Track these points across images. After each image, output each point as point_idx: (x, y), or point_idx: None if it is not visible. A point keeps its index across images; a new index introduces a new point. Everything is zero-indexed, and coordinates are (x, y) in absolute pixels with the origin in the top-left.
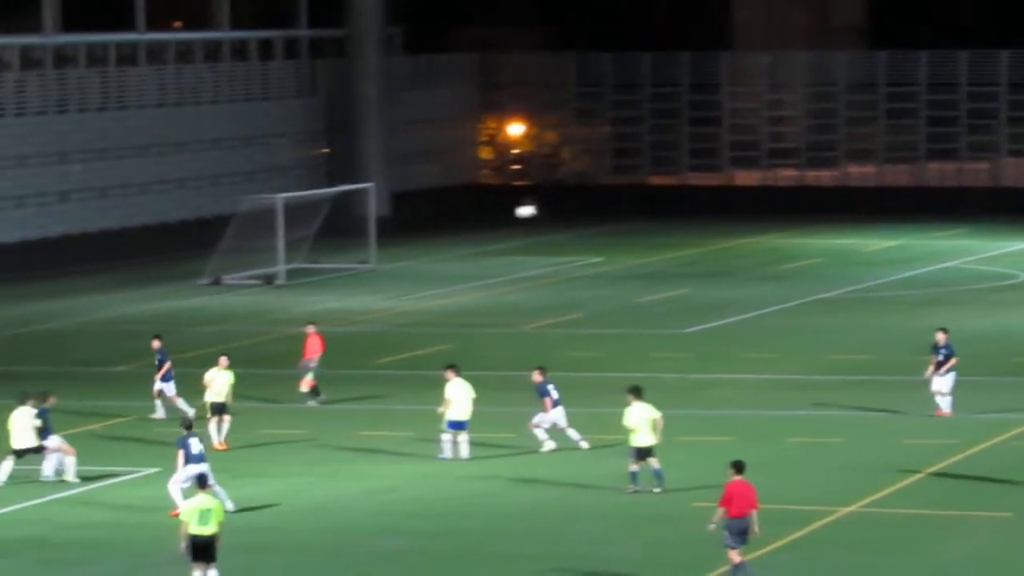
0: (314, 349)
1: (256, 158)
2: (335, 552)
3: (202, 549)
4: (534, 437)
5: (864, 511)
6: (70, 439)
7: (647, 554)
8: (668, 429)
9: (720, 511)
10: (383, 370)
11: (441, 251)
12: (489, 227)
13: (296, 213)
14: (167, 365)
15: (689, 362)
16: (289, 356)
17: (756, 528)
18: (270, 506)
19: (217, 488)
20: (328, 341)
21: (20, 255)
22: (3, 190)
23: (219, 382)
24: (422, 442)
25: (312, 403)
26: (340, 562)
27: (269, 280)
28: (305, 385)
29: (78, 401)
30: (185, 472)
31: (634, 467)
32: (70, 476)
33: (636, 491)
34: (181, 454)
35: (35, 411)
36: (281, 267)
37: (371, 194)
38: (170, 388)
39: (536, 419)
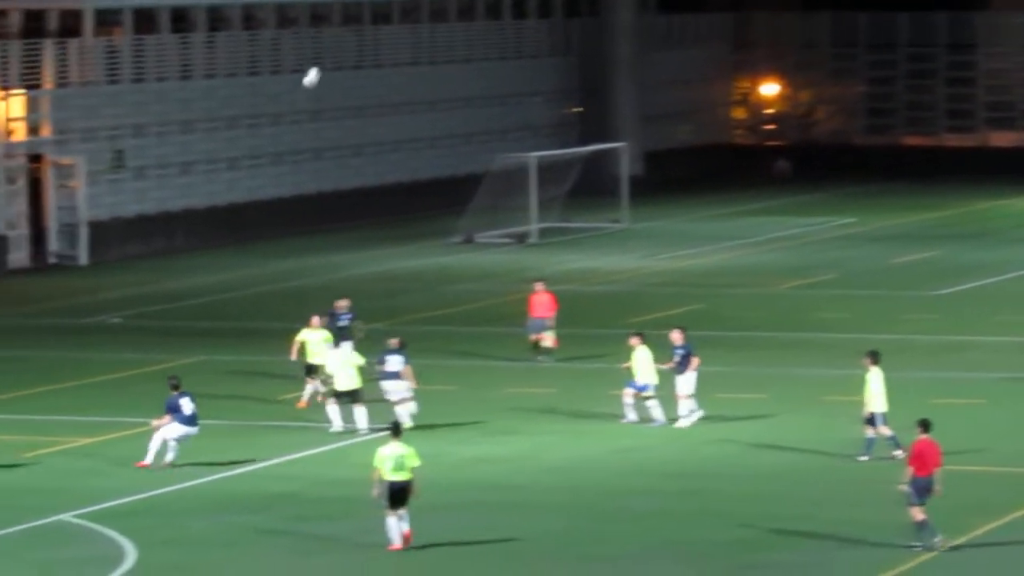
0: (547, 307)
1: (508, 117)
2: (584, 511)
3: (398, 494)
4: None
5: None
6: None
7: (886, 516)
8: (919, 392)
9: (909, 470)
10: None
11: (693, 211)
12: (742, 187)
13: (548, 172)
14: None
15: (940, 324)
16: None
17: (938, 487)
18: (518, 464)
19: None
20: (579, 300)
21: (274, 212)
22: (259, 148)
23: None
24: (669, 401)
25: (542, 359)
26: (589, 521)
27: (521, 239)
28: (550, 341)
29: None
30: (172, 431)
31: (870, 433)
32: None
33: (866, 458)
34: (166, 418)
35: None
36: (533, 226)
37: (623, 153)
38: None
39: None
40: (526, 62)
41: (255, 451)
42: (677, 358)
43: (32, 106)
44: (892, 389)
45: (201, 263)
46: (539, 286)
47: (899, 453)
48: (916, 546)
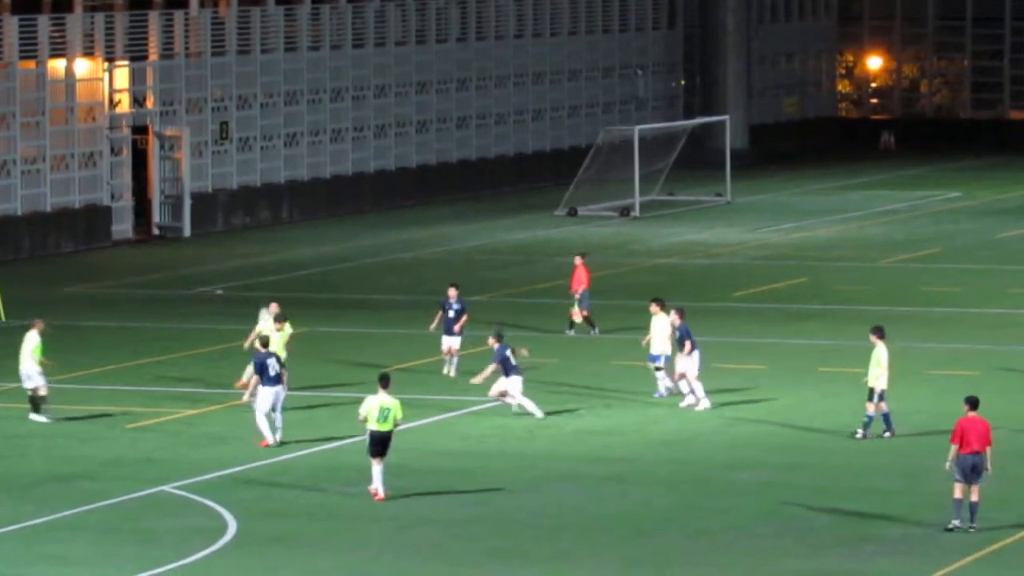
0: (581, 280)
1: (614, 90)
2: (692, 484)
3: (380, 444)
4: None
5: None
6: (426, 368)
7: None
8: None
9: (953, 448)
10: (739, 303)
11: (797, 184)
12: (847, 161)
13: (653, 145)
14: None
15: None
16: (646, 288)
17: (989, 466)
18: (623, 437)
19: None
20: (682, 273)
21: (378, 184)
22: (363, 120)
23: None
24: (777, 376)
25: (571, 332)
26: (693, 495)
27: (625, 212)
28: (577, 316)
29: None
30: (262, 397)
31: (871, 411)
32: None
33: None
34: (256, 377)
35: None
36: (637, 199)
37: (728, 127)
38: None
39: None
40: (632, 35)
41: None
42: (678, 338)
43: (137, 77)
44: (997, 363)
45: (305, 235)
46: (578, 259)
47: (887, 435)
48: (952, 526)
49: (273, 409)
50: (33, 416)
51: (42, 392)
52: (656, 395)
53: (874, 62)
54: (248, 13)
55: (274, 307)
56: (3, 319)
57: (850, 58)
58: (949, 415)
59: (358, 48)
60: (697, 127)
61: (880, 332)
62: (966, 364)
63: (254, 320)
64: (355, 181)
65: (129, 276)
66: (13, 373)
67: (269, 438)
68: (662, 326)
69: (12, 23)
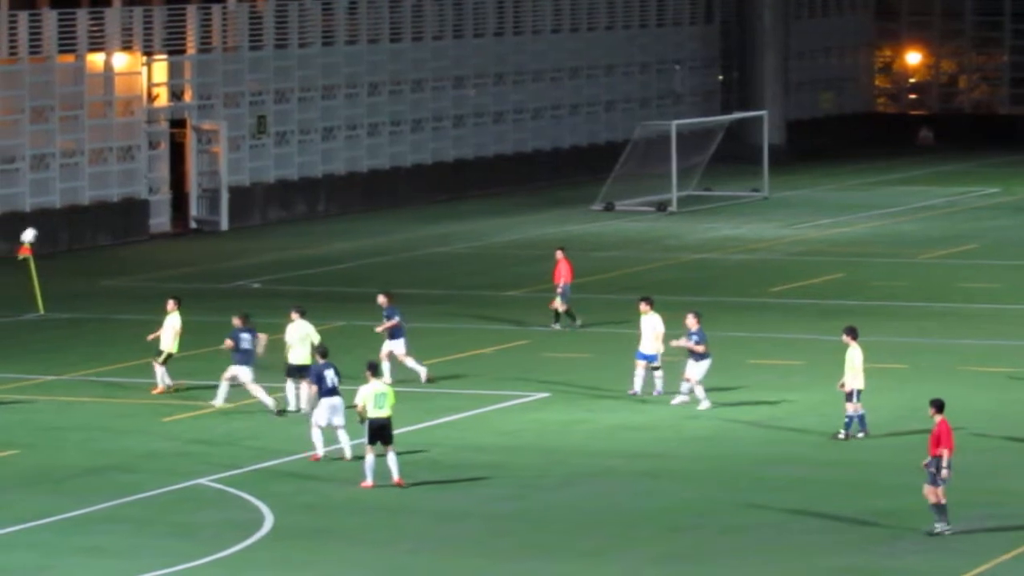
0: (563, 273)
1: (651, 85)
2: (725, 480)
3: (378, 431)
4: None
5: None
6: (460, 363)
7: None
8: None
9: (946, 452)
10: (776, 299)
11: (835, 180)
12: (884, 156)
13: (690, 140)
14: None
15: None
16: (681, 284)
17: (945, 471)
18: (659, 432)
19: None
20: (719, 269)
21: (414, 179)
22: (400, 114)
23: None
24: (813, 372)
25: (556, 326)
26: (731, 490)
27: (662, 207)
28: (559, 306)
29: (470, 324)
30: (321, 408)
31: (850, 411)
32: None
33: (842, 436)
34: (314, 388)
35: None
36: (674, 194)
37: (765, 122)
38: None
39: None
40: (669, 30)
41: (395, 417)
42: (692, 343)
43: (175, 71)
44: None
45: (341, 229)
46: (559, 253)
47: (861, 435)
48: (933, 530)
49: (331, 424)
50: None
51: None
52: (656, 392)
53: (912, 57)
54: (285, 7)
55: (170, 303)
56: (41, 312)
57: (888, 53)
58: (980, 412)
59: (395, 42)
60: (734, 122)
61: (853, 333)
62: (1004, 360)
63: (286, 315)
64: (391, 175)
65: (166, 270)
66: (54, 365)
67: (320, 451)
68: (652, 325)
69: (51, 17)
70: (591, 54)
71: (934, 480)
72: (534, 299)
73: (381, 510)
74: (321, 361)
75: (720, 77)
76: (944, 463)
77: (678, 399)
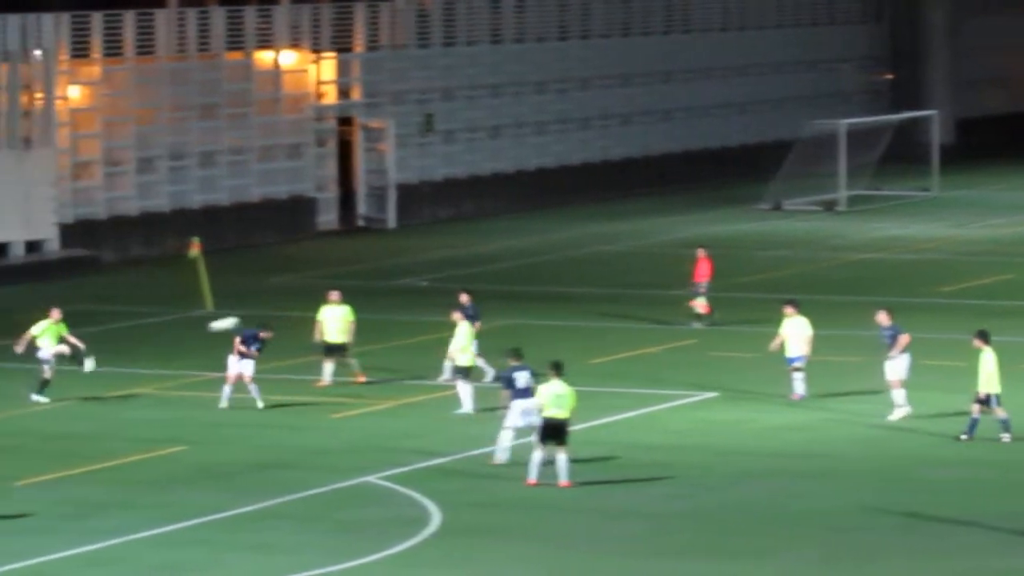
0: (703, 273)
1: (819, 83)
2: (892, 480)
3: (554, 431)
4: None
5: None
6: (627, 362)
7: None
8: None
9: None
10: (944, 299)
11: (1006, 180)
12: None
13: (858, 139)
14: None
15: None
16: (848, 283)
17: None
18: (824, 432)
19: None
20: (887, 268)
21: (581, 177)
22: (566, 112)
23: (333, 320)
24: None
25: (698, 325)
26: (898, 490)
27: (830, 206)
28: (700, 307)
29: (637, 323)
30: (513, 410)
31: (976, 414)
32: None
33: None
34: (506, 392)
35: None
36: (842, 193)
37: (935, 121)
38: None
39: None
40: (837, 28)
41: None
42: (886, 341)
43: (343, 69)
44: None
45: (508, 227)
46: (701, 252)
47: (964, 437)
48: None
49: (530, 426)
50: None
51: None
52: (794, 397)
53: None
54: (453, 5)
55: (335, 295)
56: (210, 308)
57: None
58: None
59: (562, 40)
60: (903, 121)
61: (985, 337)
62: None
63: (448, 314)
64: (558, 174)
65: (333, 267)
66: (222, 362)
67: (501, 456)
68: (799, 328)
69: (219, 15)
70: (759, 52)
71: None
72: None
73: (549, 508)
74: (513, 363)
75: (889, 75)
76: None
77: (897, 413)
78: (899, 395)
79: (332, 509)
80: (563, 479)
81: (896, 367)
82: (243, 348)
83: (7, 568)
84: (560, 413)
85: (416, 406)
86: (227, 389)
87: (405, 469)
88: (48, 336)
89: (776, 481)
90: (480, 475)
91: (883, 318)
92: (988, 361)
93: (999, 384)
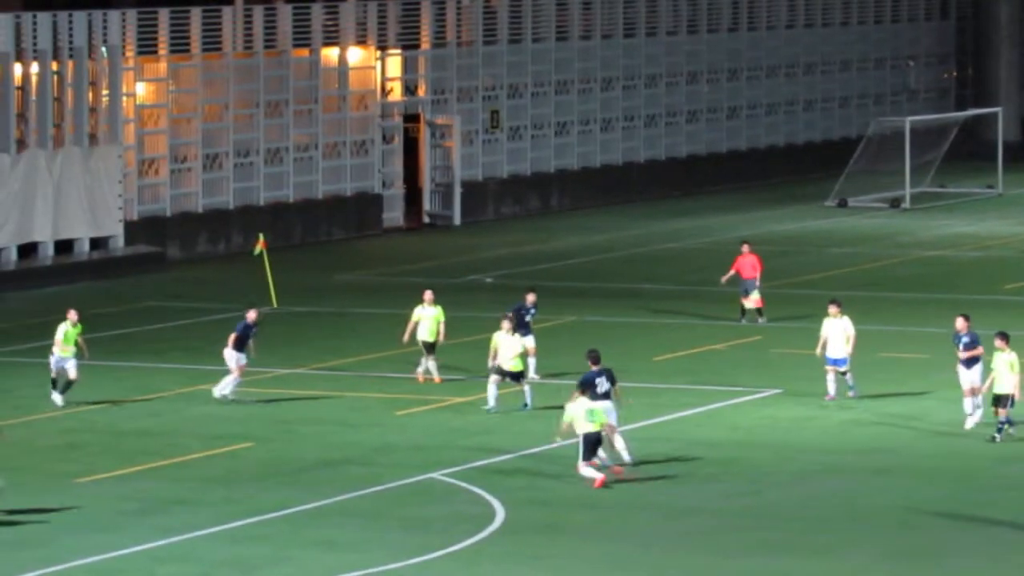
0: (753, 268)
1: (886, 80)
2: (959, 477)
3: (595, 444)
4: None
5: None
6: (693, 358)
7: None
8: None
9: None
10: (1010, 296)
11: None
12: None
13: (924, 136)
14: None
15: None
16: (915, 280)
17: None
18: (891, 429)
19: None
20: (952, 265)
21: (647, 174)
22: (633, 109)
23: (426, 319)
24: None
25: (761, 321)
26: (964, 487)
27: (895, 203)
28: (752, 303)
29: (702, 320)
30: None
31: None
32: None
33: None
34: (576, 394)
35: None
36: (908, 190)
37: (1000, 118)
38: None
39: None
40: (904, 25)
41: (626, 413)
42: (961, 347)
43: (409, 66)
44: None
45: (574, 224)
46: (745, 247)
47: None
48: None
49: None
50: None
51: (71, 375)
52: (851, 395)
53: None
54: (520, 2)
55: (428, 294)
56: (276, 305)
57: None
58: None
59: (629, 38)
60: (969, 119)
61: (1006, 337)
62: None
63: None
64: (624, 171)
65: (400, 264)
66: (288, 358)
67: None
68: (843, 328)
69: (286, 11)
70: (825, 50)
71: None
72: (768, 295)
73: (612, 506)
74: (594, 368)
75: (955, 73)
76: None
77: (972, 420)
78: (969, 403)
79: (397, 506)
80: (616, 464)
81: (970, 375)
82: (242, 342)
83: (74, 564)
84: (594, 427)
85: (479, 403)
86: (237, 380)
87: (469, 466)
88: (67, 339)
89: (841, 478)
90: (543, 473)
91: (961, 324)
92: (1003, 361)
93: (1014, 386)
